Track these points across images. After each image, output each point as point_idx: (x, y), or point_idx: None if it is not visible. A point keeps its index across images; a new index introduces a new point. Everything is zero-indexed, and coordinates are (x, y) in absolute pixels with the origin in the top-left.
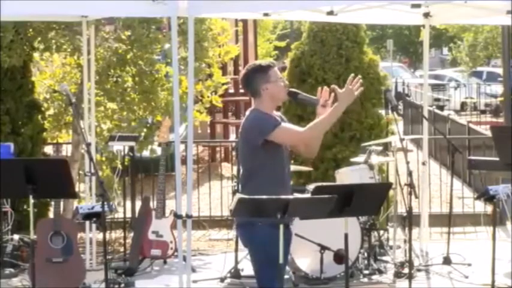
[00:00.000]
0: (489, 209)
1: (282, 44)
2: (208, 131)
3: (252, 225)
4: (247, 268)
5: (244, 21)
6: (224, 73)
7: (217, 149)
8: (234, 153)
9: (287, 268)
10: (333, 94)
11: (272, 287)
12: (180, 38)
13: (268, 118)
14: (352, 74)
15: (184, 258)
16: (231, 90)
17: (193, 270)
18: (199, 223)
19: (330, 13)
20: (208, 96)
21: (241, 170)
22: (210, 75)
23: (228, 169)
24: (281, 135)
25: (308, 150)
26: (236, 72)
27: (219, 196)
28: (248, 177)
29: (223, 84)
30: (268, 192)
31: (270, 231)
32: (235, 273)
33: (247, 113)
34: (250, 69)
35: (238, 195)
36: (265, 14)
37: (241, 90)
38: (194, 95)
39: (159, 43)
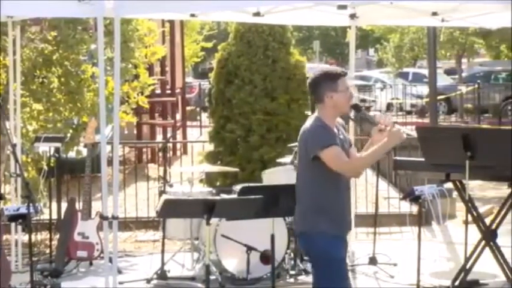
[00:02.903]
0: (415, 209)
1: (209, 44)
2: (135, 132)
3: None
4: (173, 269)
5: (171, 22)
6: (151, 74)
7: (144, 150)
8: (160, 154)
9: (213, 269)
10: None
11: None
12: (107, 38)
13: (326, 133)
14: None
15: (111, 260)
16: (158, 91)
17: (120, 272)
18: (126, 224)
19: (257, 14)
20: (134, 97)
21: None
22: (137, 76)
23: (154, 170)
24: (329, 157)
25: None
26: (163, 73)
27: (145, 197)
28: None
29: (149, 85)
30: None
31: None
32: (162, 275)
33: (309, 120)
34: (320, 74)
35: (164, 196)
36: (192, 15)
37: (168, 91)
38: (120, 95)
39: (85, 44)
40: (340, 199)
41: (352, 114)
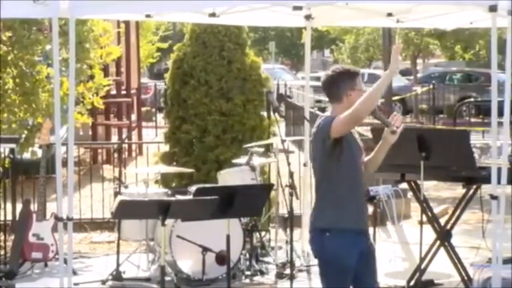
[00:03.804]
0: (370, 209)
1: (165, 45)
2: (90, 132)
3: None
4: (128, 270)
5: (127, 23)
6: (106, 74)
7: (99, 151)
8: (115, 155)
9: (169, 270)
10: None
11: None
12: (62, 39)
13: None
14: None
15: (66, 261)
16: (113, 92)
17: (75, 273)
18: (81, 225)
19: (212, 15)
20: (89, 98)
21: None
22: (92, 77)
23: (109, 171)
24: (336, 123)
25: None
26: (118, 73)
27: (100, 198)
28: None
29: (105, 85)
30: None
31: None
32: (117, 276)
33: (320, 119)
34: (337, 72)
35: (120, 197)
36: (148, 16)
37: (124, 92)
38: (75, 96)
39: (40, 44)
40: (358, 194)
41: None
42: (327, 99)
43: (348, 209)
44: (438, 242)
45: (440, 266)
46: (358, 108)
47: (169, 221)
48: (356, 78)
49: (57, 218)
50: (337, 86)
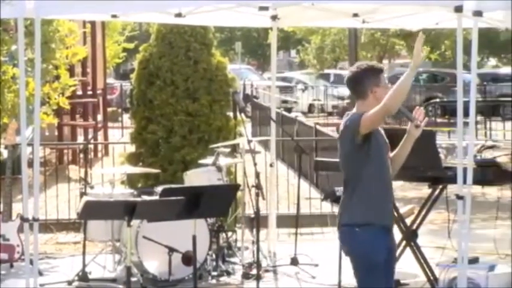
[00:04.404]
0: (336, 209)
1: (131, 45)
2: (56, 133)
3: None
4: (95, 271)
5: (92, 23)
6: (72, 75)
7: (65, 151)
8: (81, 155)
9: (135, 270)
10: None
11: None
12: (27, 39)
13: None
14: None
15: (31, 262)
16: (79, 92)
17: (41, 274)
18: (47, 226)
19: (178, 15)
20: (55, 98)
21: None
22: (58, 77)
23: (75, 172)
24: (365, 118)
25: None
26: (84, 74)
27: (66, 199)
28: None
29: (70, 86)
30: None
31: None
32: (83, 277)
33: (347, 117)
34: (362, 68)
35: (85, 198)
36: (114, 16)
37: (90, 92)
38: (41, 97)
39: (6, 45)
40: (386, 190)
41: None
42: (293, 99)
43: (377, 205)
44: (404, 242)
45: (407, 266)
46: (386, 104)
47: (135, 222)
48: (380, 74)
49: (23, 219)
50: (361, 82)
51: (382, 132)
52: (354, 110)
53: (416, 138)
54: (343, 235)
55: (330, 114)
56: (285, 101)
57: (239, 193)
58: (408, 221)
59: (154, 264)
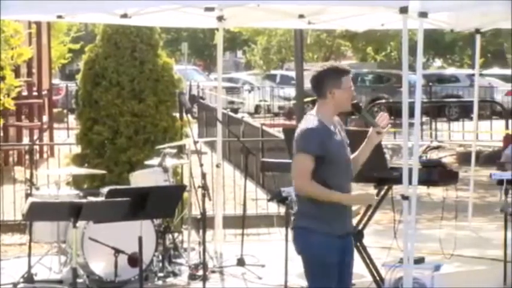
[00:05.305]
0: (282, 210)
1: (76, 46)
2: (1, 134)
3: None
4: (40, 273)
5: (38, 24)
6: (17, 75)
7: (10, 152)
8: (27, 156)
9: (81, 272)
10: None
11: None
12: None
13: (313, 138)
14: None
15: None
16: (24, 93)
17: None
18: None
19: (124, 16)
20: (0, 99)
21: None
22: (3, 78)
23: (21, 173)
24: (295, 162)
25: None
26: (29, 74)
27: (11, 200)
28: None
29: (16, 86)
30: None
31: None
32: (29, 278)
33: (307, 117)
34: (325, 68)
35: (31, 199)
36: (59, 16)
37: (35, 93)
38: None
39: None
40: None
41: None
42: (239, 100)
43: (329, 210)
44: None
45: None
46: (302, 188)
47: (81, 223)
48: (343, 76)
49: None
50: (322, 82)
51: (341, 133)
52: (314, 109)
53: (376, 144)
54: (296, 236)
55: (276, 115)
56: (231, 102)
57: (185, 194)
58: (354, 221)
59: (100, 266)
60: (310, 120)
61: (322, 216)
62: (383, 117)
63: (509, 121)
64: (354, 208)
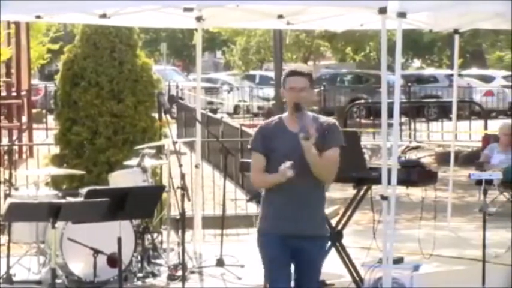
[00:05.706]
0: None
1: (55, 46)
2: None
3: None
4: (19, 273)
5: (17, 24)
6: None
7: None
8: (6, 157)
9: (60, 272)
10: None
11: None
12: None
13: (255, 136)
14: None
15: None
16: (3, 93)
17: None
18: None
19: (103, 16)
20: None
21: None
22: None
23: None
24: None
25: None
26: (8, 75)
27: None
28: None
29: None
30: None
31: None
32: (7, 279)
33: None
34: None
35: (9, 200)
36: (38, 17)
37: (14, 93)
38: None
39: None
40: (286, 198)
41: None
42: (218, 100)
43: (275, 213)
44: (329, 243)
45: (332, 267)
46: (254, 180)
47: (60, 223)
48: (288, 77)
49: None
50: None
51: (312, 131)
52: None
53: (308, 151)
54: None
55: (256, 115)
56: (210, 102)
57: (164, 194)
58: (333, 221)
59: (79, 266)
60: (275, 118)
61: (265, 216)
62: (309, 125)
63: (488, 121)
64: (332, 209)
